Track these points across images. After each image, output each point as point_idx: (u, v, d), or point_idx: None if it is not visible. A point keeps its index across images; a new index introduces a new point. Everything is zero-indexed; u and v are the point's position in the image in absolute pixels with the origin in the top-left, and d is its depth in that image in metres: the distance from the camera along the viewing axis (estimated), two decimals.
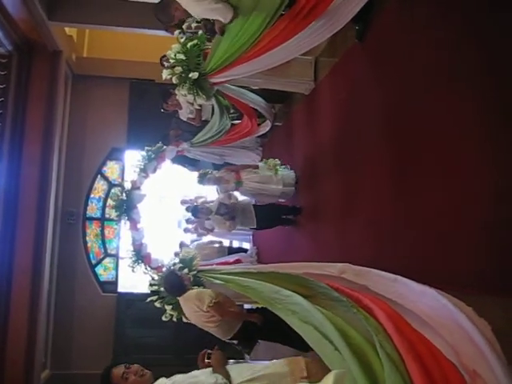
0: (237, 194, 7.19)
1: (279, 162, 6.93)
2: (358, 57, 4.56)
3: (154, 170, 8.33)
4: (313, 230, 6.19)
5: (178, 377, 3.01)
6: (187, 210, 8.60)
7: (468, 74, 3.04)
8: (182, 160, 8.23)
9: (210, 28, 5.18)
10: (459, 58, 3.14)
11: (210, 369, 3.12)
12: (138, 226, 8.11)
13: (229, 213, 6.65)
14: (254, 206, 6.91)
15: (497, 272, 2.78)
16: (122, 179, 11.19)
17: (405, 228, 3.77)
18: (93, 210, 11.50)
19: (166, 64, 6.38)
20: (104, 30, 9.87)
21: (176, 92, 5.37)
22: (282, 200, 7.04)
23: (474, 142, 2.91)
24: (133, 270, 8.24)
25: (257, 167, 7.05)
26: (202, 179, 7.45)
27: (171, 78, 5.04)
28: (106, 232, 11.51)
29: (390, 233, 3.89)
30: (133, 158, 9.72)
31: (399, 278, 2.73)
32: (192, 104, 5.40)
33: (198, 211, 7.39)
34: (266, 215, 6.85)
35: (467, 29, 3.04)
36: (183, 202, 8.97)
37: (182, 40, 5.14)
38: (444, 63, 3.27)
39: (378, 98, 4.18)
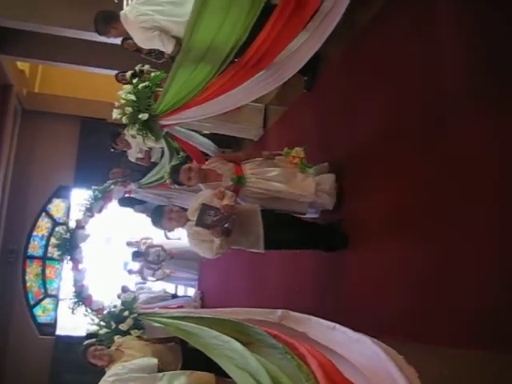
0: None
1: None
2: (306, 106, 4.73)
3: (100, 210, 8.22)
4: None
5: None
6: (133, 254, 8.51)
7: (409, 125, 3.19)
8: (129, 201, 8.15)
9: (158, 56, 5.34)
10: (402, 112, 3.30)
11: None
12: (80, 266, 7.93)
13: (221, 221, 3.73)
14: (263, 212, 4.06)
15: (440, 323, 2.85)
16: (68, 218, 10.94)
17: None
18: (35, 248, 11.16)
19: (121, 80, 6.36)
20: (57, 66, 9.82)
21: (125, 132, 5.38)
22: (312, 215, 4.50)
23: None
24: (73, 312, 8.00)
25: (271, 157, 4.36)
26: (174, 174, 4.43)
27: (121, 118, 5.04)
28: (48, 272, 11.15)
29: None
30: (80, 196, 9.57)
31: (338, 326, 2.78)
32: (143, 144, 5.42)
33: (139, 256, 7.21)
34: (283, 229, 4.13)
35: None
36: (129, 244, 8.85)
37: (134, 81, 5.18)
38: (389, 114, 3.43)
39: (325, 145, 4.36)
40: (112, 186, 7.94)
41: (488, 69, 2.63)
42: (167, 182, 4.27)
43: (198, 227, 3.78)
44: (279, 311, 3.12)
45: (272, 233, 3.98)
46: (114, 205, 8.35)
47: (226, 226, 3.75)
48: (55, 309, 11.10)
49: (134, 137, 5.10)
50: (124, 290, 8.48)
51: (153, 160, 6.98)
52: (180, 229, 4.18)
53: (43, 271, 11.13)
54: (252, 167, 4.22)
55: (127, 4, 5.96)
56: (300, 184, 4.10)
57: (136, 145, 6.19)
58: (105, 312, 6.15)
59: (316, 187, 4.06)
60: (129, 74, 5.89)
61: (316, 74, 4.49)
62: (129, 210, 8.70)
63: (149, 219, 8.41)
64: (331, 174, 4.21)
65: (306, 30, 3.56)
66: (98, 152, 10.43)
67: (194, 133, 6.21)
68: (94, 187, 8.18)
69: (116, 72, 6.86)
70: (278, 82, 3.77)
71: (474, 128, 2.67)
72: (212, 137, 6.60)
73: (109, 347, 4.64)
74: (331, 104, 4.41)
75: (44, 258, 11.14)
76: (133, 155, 6.87)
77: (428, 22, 3.22)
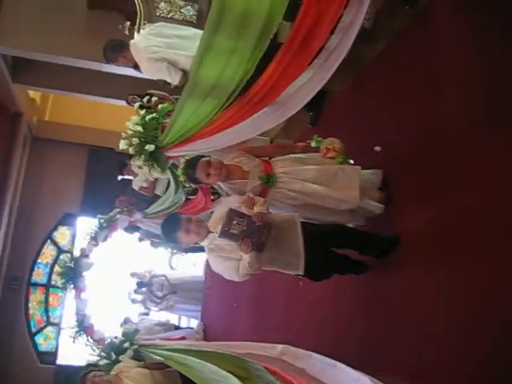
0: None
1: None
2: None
3: (105, 239, 8.19)
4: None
5: None
6: (137, 284, 8.50)
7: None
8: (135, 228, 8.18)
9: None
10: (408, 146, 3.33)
11: None
12: (83, 295, 7.89)
13: (252, 232, 3.02)
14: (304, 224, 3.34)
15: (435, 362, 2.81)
16: (72, 245, 10.96)
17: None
18: (39, 275, 11.15)
19: (131, 102, 6.45)
20: (67, 95, 9.98)
21: (131, 162, 5.42)
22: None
23: None
24: (73, 341, 7.93)
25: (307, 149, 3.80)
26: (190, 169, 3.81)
27: (128, 149, 5.09)
28: (51, 299, 11.12)
29: None
30: (85, 224, 9.59)
31: (339, 364, 2.77)
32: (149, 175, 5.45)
33: (142, 286, 7.17)
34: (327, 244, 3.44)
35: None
36: (133, 275, 8.84)
37: (142, 112, 5.24)
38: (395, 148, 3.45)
39: None
40: (118, 215, 7.95)
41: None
42: (181, 178, 3.57)
43: (223, 239, 3.07)
44: (280, 346, 3.14)
45: (314, 248, 3.23)
46: (119, 234, 8.37)
47: (258, 238, 3.02)
48: (57, 337, 11.04)
49: (140, 167, 5.13)
50: (126, 321, 8.43)
51: (157, 193, 7.01)
52: (201, 243, 3.35)
53: (46, 299, 11.09)
54: (284, 165, 3.53)
55: (138, 34, 6.10)
56: (342, 186, 3.39)
57: (142, 175, 6.24)
58: (106, 342, 6.10)
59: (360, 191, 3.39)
60: (137, 105, 5.97)
61: (321, 110, 4.54)
62: (133, 239, 8.72)
63: (152, 247, 8.41)
64: (377, 170, 3.60)
65: (312, 67, 3.61)
66: (105, 180, 10.52)
67: None
68: (99, 216, 8.19)
69: (126, 99, 6.95)
70: (282, 118, 3.79)
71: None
72: None
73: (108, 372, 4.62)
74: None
75: (48, 286, 11.12)
76: (137, 184, 6.92)
77: (433, 54, 3.29)
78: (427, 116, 3.27)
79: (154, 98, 5.78)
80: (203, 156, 3.51)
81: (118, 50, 4.77)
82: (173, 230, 3.34)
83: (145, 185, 6.81)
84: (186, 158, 4.23)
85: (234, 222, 3.02)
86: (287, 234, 3.24)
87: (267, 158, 3.63)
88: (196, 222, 3.29)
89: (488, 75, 2.81)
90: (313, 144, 3.65)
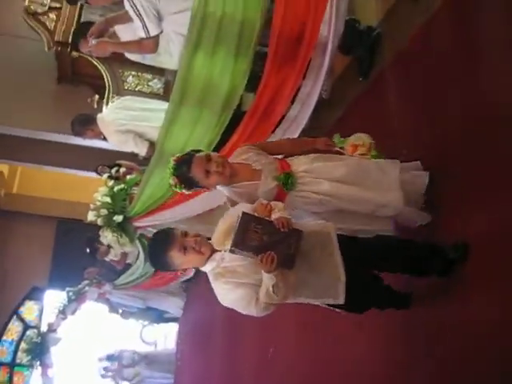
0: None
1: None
2: None
3: (74, 312, 8.05)
4: None
5: None
6: (107, 357, 8.30)
7: None
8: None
9: None
10: None
11: None
12: (50, 371, 7.65)
13: (275, 243, 2.25)
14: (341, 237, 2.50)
15: None
16: (40, 320, 10.63)
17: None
18: (3, 353, 10.70)
19: (101, 172, 6.49)
20: (35, 168, 9.98)
21: (100, 234, 5.41)
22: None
23: None
24: None
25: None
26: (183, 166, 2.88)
27: (96, 220, 5.10)
28: (16, 379, 10.62)
29: None
30: (53, 298, 9.40)
31: None
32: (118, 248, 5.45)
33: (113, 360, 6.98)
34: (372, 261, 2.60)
35: None
36: (101, 359, 8.65)
37: (110, 183, 5.30)
38: None
39: None
40: (87, 287, 7.85)
41: None
42: (170, 182, 2.70)
43: (237, 254, 2.24)
44: None
45: (352, 270, 2.38)
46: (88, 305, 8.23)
47: (285, 249, 2.24)
48: None
49: (110, 246, 5.16)
50: None
51: (128, 261, 6.97)
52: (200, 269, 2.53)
53: (10, 378, 10.61)
54: (305, 162, 2.74)
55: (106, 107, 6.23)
56: (379, 186, 2.68)
57: (113, 252, 6.24)
58: None
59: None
60: (105, 176, 6.03)
61: None
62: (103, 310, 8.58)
63: (122, 318, 8.21)
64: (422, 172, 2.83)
65: (274, 135, 3.76)
66: (74, 252, 10.33)
67: None
68: (68, 289, 8.07)
69: (95, 170, 7.00)
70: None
71: None
72: None
73: None
74: None
75: (12, 365, 10.66)
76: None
77: (384, 120, 3.46)
78: None
79: (123, 169, 5.87)
80: (199, 150, 2.75)
81: (85, 124, 4.92)
82: (164, 248, 2.42)
83: (115, 258, 6.77)
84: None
85: (251, 230, 2.22)
86: (318, 250, 2.41)
87: (281, 157, 2.90)
88: (195, 237, 2.40)
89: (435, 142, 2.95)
90: (335, 141, 2.92)
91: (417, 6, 3.39)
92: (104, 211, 5.03)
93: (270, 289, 2.23)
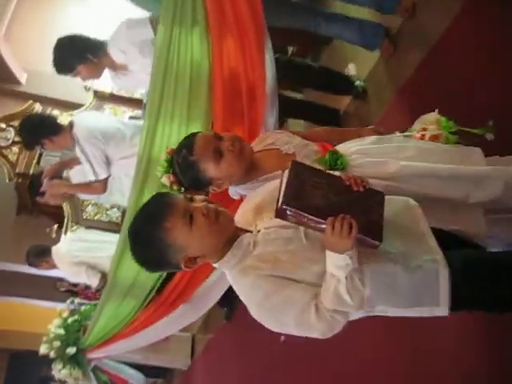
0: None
1: None
2: (228, 334, 4.97)
3: None
4: None
5: None
6: None
7: None
8: None
9: None
10: None
11: None
12: None
13: (345, 205, 1.42)
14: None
15: None
16: None
17: None
18: None
19: (59, 288, 6.40)
20: None
21: (53, 367, 5.36)
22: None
23: None
24: None
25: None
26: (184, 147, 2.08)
27: (48, 353, 5.09)
28: None
29: None
30: None
31: None
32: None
33: None
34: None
35: None
36: None
37: (64, 315, 5.34)
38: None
39: (245, 374, 4.53)
40: None
41: None
42: (164, 181, 2.16)
43: (288, 218, 1.41)
44: None
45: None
46: None
47: (369, 213, 1.43)
48: None
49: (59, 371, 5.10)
50: None
51: None
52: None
53: None
54: (356, 144, 1.97)
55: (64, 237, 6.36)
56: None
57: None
58: None
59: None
60: (67, 302, 6.04)
61: (234, 306, 4.82)
62: None
63: None
64: None
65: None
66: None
67: (122, 365, 6.20)
68: None
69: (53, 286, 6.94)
70: (197, 316, 4.06)
71: None
72: (141, 367, 6.58)
73: None
74: (252, 334, 4.62)
75: None
76: None
77: None
78: None
79: (77, 300, 5.93)
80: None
81: (40, 255, 5.12)
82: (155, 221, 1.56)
83: None
84: None
85: (308, 185, 1.43)
86: (407, 222, 1.57)
87: None
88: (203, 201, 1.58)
89: None
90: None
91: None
92: (57, 343, 5.04)
93: (343, 281, 1.38)
